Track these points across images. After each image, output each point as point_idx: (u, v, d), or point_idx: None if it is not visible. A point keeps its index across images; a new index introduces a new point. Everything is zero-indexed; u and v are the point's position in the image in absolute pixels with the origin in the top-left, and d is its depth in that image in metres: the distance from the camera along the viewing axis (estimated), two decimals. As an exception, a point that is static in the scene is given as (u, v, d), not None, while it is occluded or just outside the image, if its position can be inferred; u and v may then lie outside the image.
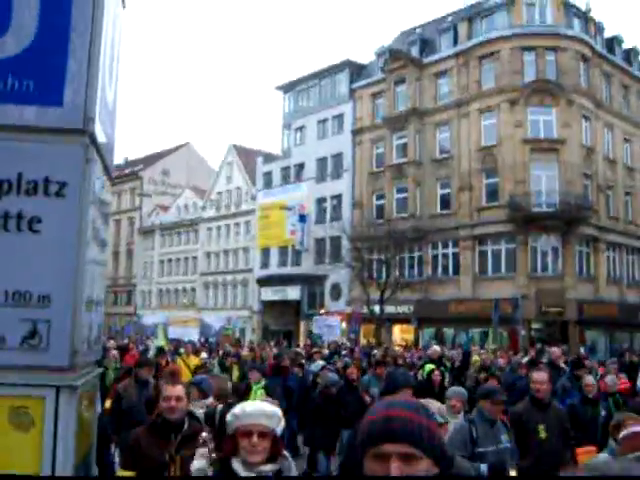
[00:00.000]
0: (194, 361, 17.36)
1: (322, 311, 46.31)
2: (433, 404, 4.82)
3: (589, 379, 10.07)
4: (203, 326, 41.97)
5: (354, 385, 11.61)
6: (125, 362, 21.22)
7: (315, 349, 22.78)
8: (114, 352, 15.85)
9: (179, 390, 4.86)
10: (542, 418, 7.06)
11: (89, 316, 2.79)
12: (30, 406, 2.41)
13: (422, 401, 4.49)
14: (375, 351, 21.92)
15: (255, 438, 3.15)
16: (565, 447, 7.19)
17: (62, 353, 2.45)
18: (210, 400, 7.47)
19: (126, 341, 38.24)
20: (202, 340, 34.38)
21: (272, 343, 32.16)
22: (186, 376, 12.06)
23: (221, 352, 22.92)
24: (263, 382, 11.36)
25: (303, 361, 16.75)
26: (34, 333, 2.43)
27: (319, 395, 11.02)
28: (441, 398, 8.21)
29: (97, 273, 3.01)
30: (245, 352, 21.58)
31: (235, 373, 16.79)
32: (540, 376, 7.41)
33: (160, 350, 16.32)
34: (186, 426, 4.79)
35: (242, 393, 8.56)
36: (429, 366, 13.95)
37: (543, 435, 6.96)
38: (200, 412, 6.83)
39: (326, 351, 22.92)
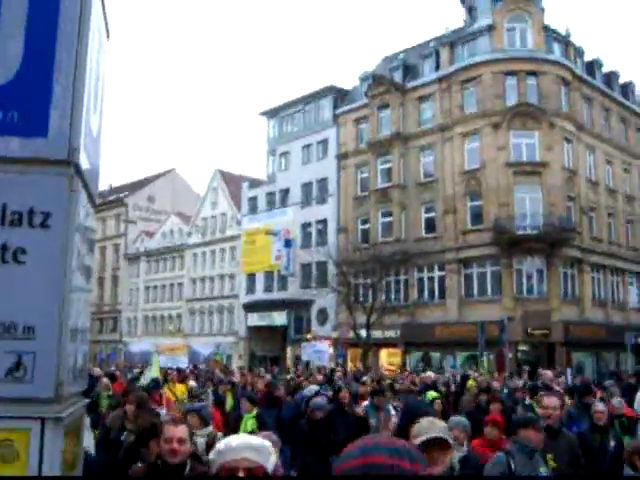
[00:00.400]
0: (180, 389, 16.80)
1: (309, 336, 46.18)
2: (438, 423, 4.49)
3: (600, 406, 9.38)
4: (192, 353, 41.52)
5: (345, 410, 11.34)
6: (113, 391, 20.88)
7: (304, 376, 22.27)
8: (105, 380, 15.42)
9: (182, 431, 4.43)
10: (551, 446, 6.48)
11: (75, 346, 2.75)
12: (14, 439, 2.37)
13: (427, 420, 4.28)
14: (365, 377, 21.41)
15: (241, 474, 2.77)
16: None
17: (47, 385, 2.41)
18: (210, 428, 7.35)
19: (113, 369, 37.80)
20: (191, 367, 33.92)
21: (262, 369, 31.86)
22: (171, 405, 11.66)
23: (215, 380, 21.28)
24: (255, 411, 10.73)
25: (294, 389, 16.33)
26: (19, 365, 2.40)
27: (306, 421, 10.51)
28: None
29: (82, 301, 2.98)
30: (237, 378, 21.00)
31: (229, 401, 16.16)
32: (551, 401, 7.09)
33: (155, 382, 15.11)
34: (188, 469, 4.42)
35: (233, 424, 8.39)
36: (431, 394, 13.22)
37: (552, 465, 6.45)
38: (201, 441, 6.70)
39: (320, 377, 22.01)
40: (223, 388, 17.33)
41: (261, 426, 9.51)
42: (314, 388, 15.00)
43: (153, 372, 16.59)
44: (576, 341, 35.54)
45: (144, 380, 16.18)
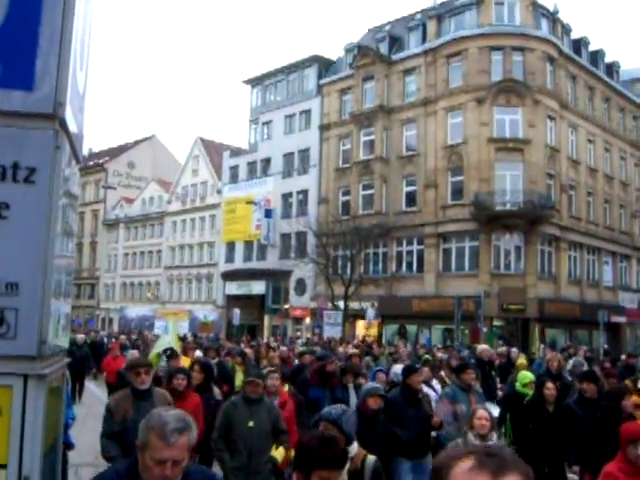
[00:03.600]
0: (185, 362, 13.23)
1: (286, 306, 46.37)
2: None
3: None
4: (192, 319, 39.53)
5: (418, 396, 8.51)
6: (108, 367, 18.11)
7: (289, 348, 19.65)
8: (134, 352, 14.50)
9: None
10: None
11: (57, 306, 2.74)
12: (-3, 395, 2.37)
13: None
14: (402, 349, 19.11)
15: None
16: None
17: (30, 342, 2.41)
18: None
19: (104, 334, 36.40)
20: (190, 335, 31.90)
21: (245, 338, 31.27)
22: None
23: (221, 350, 17.56)
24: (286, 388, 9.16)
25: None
26: (1, 321, 2.40)
27: (358, 413, 7.11)
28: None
29: (66, 263, 2.97)
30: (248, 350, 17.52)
31: (239, 377, 12.96)
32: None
33: (171, 352, 12.19)
34: None
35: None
36: (527, 375, 10.13)
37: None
38: None
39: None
40: (231, 360, 14.35)
41: (312, 412, 8.10)
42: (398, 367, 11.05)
43: (170, 341, 13.65)
44: (550, 318, 35.97)
45: (158, 349, 12.98)
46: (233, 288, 52.03)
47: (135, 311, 40.75)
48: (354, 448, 4.66)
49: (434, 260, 38.51)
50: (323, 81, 47.74)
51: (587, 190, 42.30)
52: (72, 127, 2.77)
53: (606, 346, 31.95)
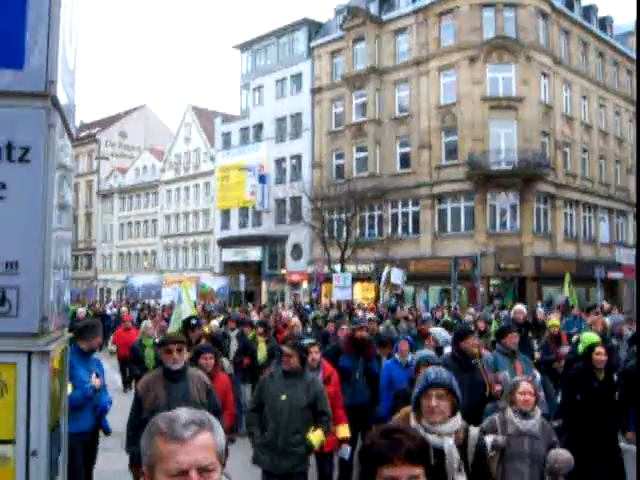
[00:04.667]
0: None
1: (283, 271, 46.49)
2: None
3: None
4: (198, 287, 38.14)
5: (471, 363, 7.65)
6: (119, 339, 17.15)
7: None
8: (147, 323, 13.78)
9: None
10: None
11: (57, 281, 2.76)
12: (2, 372, 2.42)
13: None
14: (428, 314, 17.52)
15: None
16: None
17: (32, 319, 2.44)
18: None
19: (110, 305, 35.78)
20: (201, 304, 30.75)
21: (251, 306, 30.49)
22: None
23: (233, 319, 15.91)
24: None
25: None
26: (3, 300, 2.42)
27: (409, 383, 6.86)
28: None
29: (63, 238, 2.99)
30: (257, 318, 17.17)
31: (262, 350, 12.32)
32: None
33: (193, 322, 10.36)
34: None
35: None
36: (590, 337, 9.05)
37: None
38: None
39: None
40: (252, 331, 13.12)
41: (345, 382, 8.43)
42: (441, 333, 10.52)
43: (188, 309, 12.41)
44: (547, 276, 36.08)
45: (176, 323, 11.75)
46: (229, 255, 52.12)
47: (141, 280, 39.13)
48: (458, 420, 3.88)
49: (430, 221, 38.56)
50: (313, 44, 47.29)
51: (582, 147, 42.21)
52: (64, 104, 2.77)
53: (605, 303, 32.08)
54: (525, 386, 5.57)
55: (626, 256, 41.97)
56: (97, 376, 7.04)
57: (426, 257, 37.68)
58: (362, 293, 40.82)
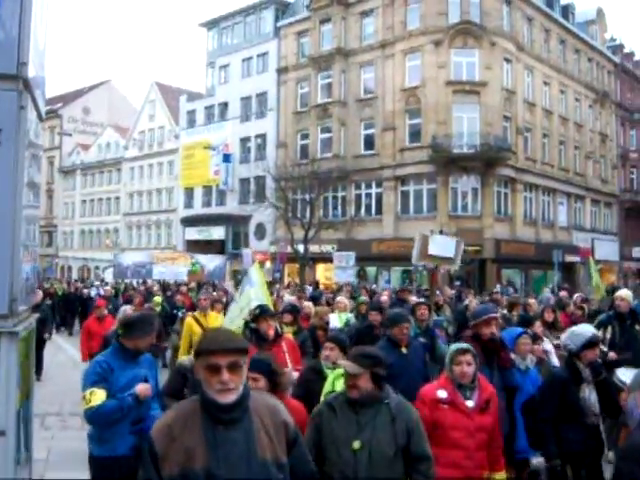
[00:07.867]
0: (214, 318, 10.50)
1: (246, 250, 46.37)
2: None
3: None
4: (194, 263, 35.40)
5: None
6: (90, 331, 12.04)
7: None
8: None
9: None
10: None
11: (26, 262, 2.77)
12: (-29, 353, 2.38)
13: None
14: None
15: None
16: None
17: (1, 301, 2.44)
18: None
19: (103, 283, 34.03)
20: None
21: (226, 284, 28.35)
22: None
23: None
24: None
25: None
26: (-27, 283, 2.38)
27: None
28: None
29: (32, 218, 2.99)
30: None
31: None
32: None
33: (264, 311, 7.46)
34: None
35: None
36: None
37: None
38: None
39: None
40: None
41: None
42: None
43: (261, 296, 9.12)
44: (506, 258, 36.68)
45: (238, 318, 8.70)
46: (193, 233, 51.94)
47: (131, 257, 36.29)
48: None
49: (392, 203, 38.85)
50: (280, 23, 47.02)
51: (542, 132, 42.74)
52: (35, 85, 2.78)
53: (566, 285, 32.67)
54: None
55: (583, 239, 42.86)
56: (146, 381, 5.24)
57: (388, 238, 37.96)
58: (324, 273, 41.05)
